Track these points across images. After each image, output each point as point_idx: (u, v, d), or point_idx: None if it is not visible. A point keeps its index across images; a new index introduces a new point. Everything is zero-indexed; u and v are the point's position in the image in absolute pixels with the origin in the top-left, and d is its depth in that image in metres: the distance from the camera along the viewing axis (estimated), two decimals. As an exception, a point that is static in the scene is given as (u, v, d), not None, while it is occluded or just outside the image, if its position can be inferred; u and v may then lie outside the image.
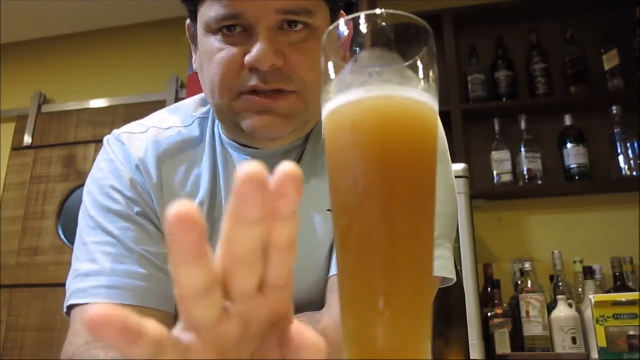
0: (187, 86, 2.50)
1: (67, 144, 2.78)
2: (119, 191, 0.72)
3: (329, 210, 0.72)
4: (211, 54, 0.67)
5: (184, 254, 0.25)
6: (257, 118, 0.66)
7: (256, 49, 0.63)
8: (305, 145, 0.76)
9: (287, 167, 0.27)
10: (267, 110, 0.66)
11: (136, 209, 0.71)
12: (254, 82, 0.65)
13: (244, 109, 0.67)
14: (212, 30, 0.67)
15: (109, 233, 0.69)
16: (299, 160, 0.76)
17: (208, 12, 0.66)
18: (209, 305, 0.27)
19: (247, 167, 0.26)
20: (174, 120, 0.79)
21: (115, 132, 0.79)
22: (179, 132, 0.78)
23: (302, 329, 0.31)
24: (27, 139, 2.83)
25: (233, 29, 0.65)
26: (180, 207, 0.25)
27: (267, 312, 0.29)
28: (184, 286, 0.26)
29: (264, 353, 0.30)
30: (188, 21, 0.75)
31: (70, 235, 2.56)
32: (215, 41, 0.67)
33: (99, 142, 0.80)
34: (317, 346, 0.30)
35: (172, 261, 0.26)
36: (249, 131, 0.67)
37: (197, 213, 0.25)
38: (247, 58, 0.64)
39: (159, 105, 0.86)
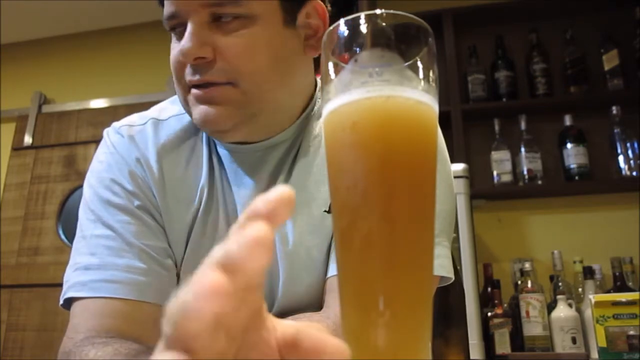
0: (187, 86, 2.50)
1: (67, 144, 2.78)
2: (119, 184, 0.72)
3: (325, 211, 0.72)
4: (170, 52, 0.70)
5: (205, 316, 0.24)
6: (197, 110, 0.68)
7: (180, 44, 0.66)
8: (300, 144, 0.76)
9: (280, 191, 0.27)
10: (206, 102, 0.68)
11: (136, 202, 0.71)
12: (188, 76, 0.68)
13: (191, 103, 0.69)
14: (168, 31, 0.71)
15: (108, 226, 0.69)
16: (293, 160, 0.75)
17: (163, 13, 0.70)
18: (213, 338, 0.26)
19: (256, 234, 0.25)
20: (174, 110, 0.80)
21: (115, 124, 0.79)
22: (177, 118, 0.78)
23: (320, 338, 0.30)
24: (27, 139, 2.82)
25: (178, 27, 0.68)
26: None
27: (245, 314, 0.29)
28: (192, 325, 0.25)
29: (245, 353, 0.30)
30: None
31: (71, 235, 2.56)
32: (172, 41, 0.71)
33: (99, 142, 0.80)
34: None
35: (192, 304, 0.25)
36: (198, 125, 0.70)
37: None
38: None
39: (159, 105, 0.88)
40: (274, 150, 0.75)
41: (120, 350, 0.59)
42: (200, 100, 0.68)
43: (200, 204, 0.73)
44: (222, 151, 0.76)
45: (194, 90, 0.68)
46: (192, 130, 0.78)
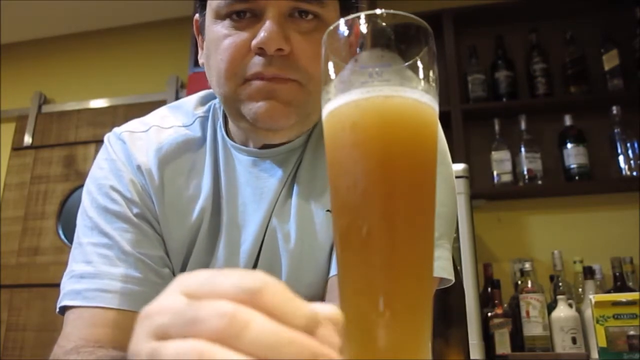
0: (187, 86, 2.50)
1: (67, 144, 2.78)
2: (118, 191, 0.71)
3: (328, 210, 0.72)
4: (218, 40, 0.66)
5: None
6: (260, 104, 0.65)
7: (263, 31, 0.62)
8: (306, 145, 0.75)
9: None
10: (270, 96, 0.65)
11: (135, 210, 0.71)
12: (257, 67, 0.64)
13: (248, 95, 0.66)
14: (220, 16, 0.67)
15: (105, 234, 0.69)
16: (300, 160, 0.75)
17: None
18: None
19: None
20: (175, 119, 0.79)
21: (116, 130, 0.78)
22: (180, 132, 0.77)
23: None
24: (27, 139, 2.82)
25: (242, 14, 0.65)
26: None
27: None
28: None
29: None
30: (197, 15, 0.75)
31: (70, 235, 2.55)
32: (222, 28, 0.66)
33: (99, 142, 0.80)
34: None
35: None
36: (252, 119, 0.66)
37: None
38: (254, 40, 0.63)
39: (159, 105, 0.85)
40: (292, 155, 0.74)
41: (103, 358, 0.59)
42: (264, 94, 0.65)
43: (203, 217, 0.72)
44: (242, 157, 0.75)
45: (258, 82, 0.65)
46: (195, 143, 0.76)
